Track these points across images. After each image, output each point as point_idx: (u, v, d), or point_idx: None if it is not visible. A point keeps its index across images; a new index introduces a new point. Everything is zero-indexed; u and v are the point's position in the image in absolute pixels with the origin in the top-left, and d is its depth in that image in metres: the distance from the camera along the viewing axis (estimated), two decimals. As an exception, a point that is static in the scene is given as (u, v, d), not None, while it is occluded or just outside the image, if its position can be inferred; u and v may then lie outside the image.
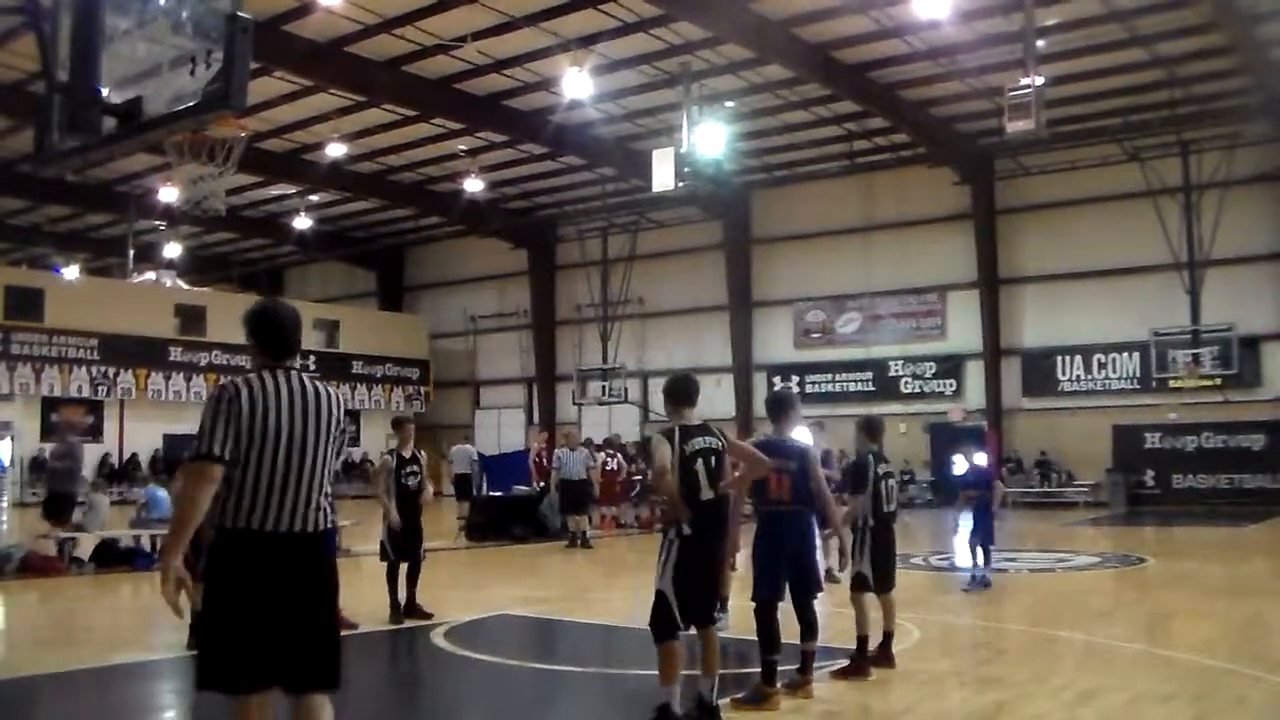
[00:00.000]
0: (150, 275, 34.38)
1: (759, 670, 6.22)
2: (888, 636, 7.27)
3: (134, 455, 31.02)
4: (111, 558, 13.93)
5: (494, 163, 29.00)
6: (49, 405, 29.48)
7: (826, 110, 25.29)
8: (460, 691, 7.36)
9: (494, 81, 23.72)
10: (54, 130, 4.52)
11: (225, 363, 31.42)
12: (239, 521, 3.72)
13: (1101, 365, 27.01)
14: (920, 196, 28.50)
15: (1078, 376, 27.26)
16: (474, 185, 29.00)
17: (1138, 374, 26.25)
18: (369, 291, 40.08)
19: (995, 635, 9.11)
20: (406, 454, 9.74)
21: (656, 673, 5.66)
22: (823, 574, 8.60)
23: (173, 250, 35.52)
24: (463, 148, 27.89)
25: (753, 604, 6.32)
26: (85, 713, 6.88)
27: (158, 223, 33.08)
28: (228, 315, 32.32)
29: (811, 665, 6.48)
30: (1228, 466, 25.12)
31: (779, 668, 6.24)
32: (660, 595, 5.62)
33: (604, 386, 31.10)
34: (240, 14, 3.83)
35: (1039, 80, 17.27)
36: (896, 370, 29.40)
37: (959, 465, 16.31)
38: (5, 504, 27.04)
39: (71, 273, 34.83)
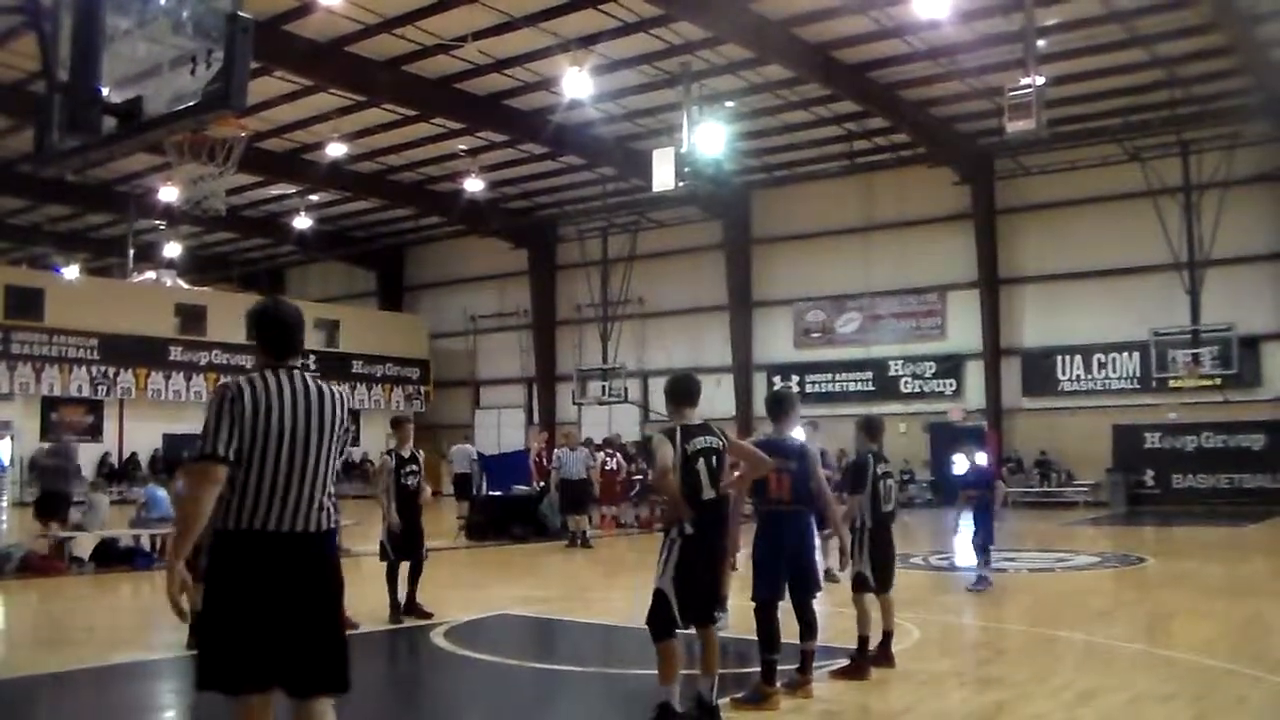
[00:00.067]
0: (150, 275, 34.39)
1: (759, 670, 6.22)
2: (887, 636, 7.28)
3: (133, 455, 31.02)
4: (111, 557, 13.93)
5: (494, 162, 29.00)
6: (49, 405, 29.47)
7: (826, 110, 25.29)
8: (460, 691, 7.36)
9: (494, 81, 23.72)
10: (54, 130, 4.52)
11: (225, 362, 31.48)
12: (241, 522, 3.70)
13: (1101, 365, 27.01)
14: (920, 196, 28.50)
15: (1078, 376, 27.27)
16: (474, 185, 29.00)
17: (1138, 374, 26.25)
18: (369, 291, 40.08)
19: (995, 635, 9.12)
20: (405, 454, 9.74)
21: (656, 672, 5.67)
22: (822, 574, 8.62)
23: (173, 250, 35.53)
24: (463, 147, 27.89)
25: (752, 604, 6.32)
26: (85, 713, 6.88)
27: (158, 222, 33.08)
28: (228, 315, 32.43)
29: (811, 665, 6.48)
30: (1228, 466, 25.12)
31: (779, 667, 6.24)
32: (660, 594, 5.62)
33: (604, 386, 31.10)
34: (240, 14, 3.83)
35: (1039, 80, 17.27)
36: (896, 370, 29.40)
37: (959, 465, 16.31)
38: (5, 503, 27.04)
39: (71, 272, 34.84)
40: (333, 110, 25.16)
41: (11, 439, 28.88)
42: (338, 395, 3.98)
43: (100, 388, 30.34)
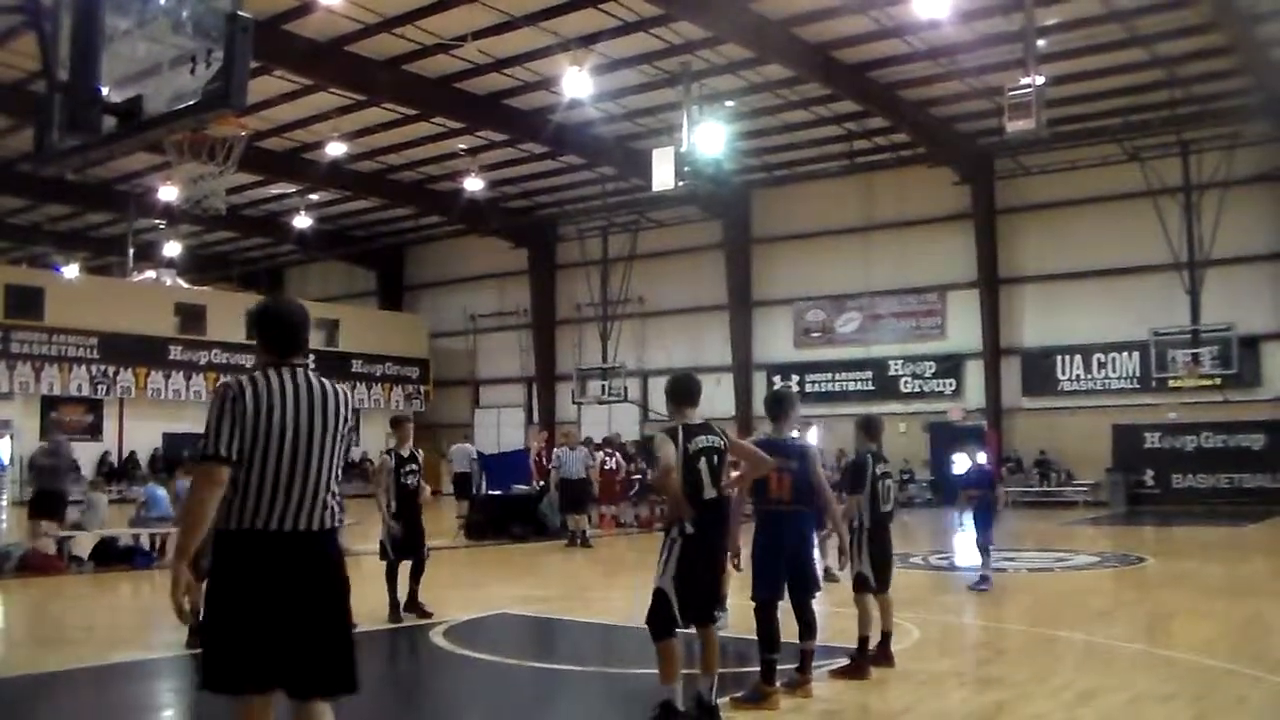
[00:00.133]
0: (150, 274, 34.40)
1: (758, 669, 6.22)
2: (886, 636, 7.28)
3: (132, 454, 31.01)
4: (111, 556, 13.93)
5: (494, 162, 29.00)
6: (49, 404, 29.47)
7: (826, 110, 25.29)
8: (460, 691, 7.36)
9: (494, 81, 23.72)
10: (54, 129, 4.52)
11: (225, 361, 31.49)
12: (244, 521, 3.67)
13: (1101, 365, 27.02)
14: (920, 196, 28.50)
15: (1077, 376, 27.27)
16: (474, 184, 28.99)
17: (1137, 374, 26.26)
18: (369, 290, 40.08)
19: (995, 635, 9.12)
20: (405, 453, 9.74)
21: (656, 671, 5.66)
22: (821, 573, 8.62)
23: (173, 249, 35.55)
24: (463, 147, 27.89)
25: (752, 603, 6.32)
26: (85, 712, 6.88)
27: (158, 221, 33.08)
28: (228, 314, 32.50)
29: (810, 664, 6.48)
30: (1227, 466, 25.13)
31: (778, 667, 6.24)
32: (660, 593, 5.63)
33: (604, 386, 31.10)
34: (240, 13, 3.83)
35: (1039, 80, 17.27)
36: (896, 370, 29.41)
37: (960, 464, 16.31)
38: (5, 502, 27.03)
39: (71, 271, 34.86)
40: (333, 110, 25.16)
41: (11, 438, 28.87)
42: (342, 393, 3.94)
43: (100, 387, 30.34)
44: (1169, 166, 25.36)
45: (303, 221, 33.20)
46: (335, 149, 26.76)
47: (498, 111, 25.17)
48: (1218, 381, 24.84)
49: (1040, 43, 18.71)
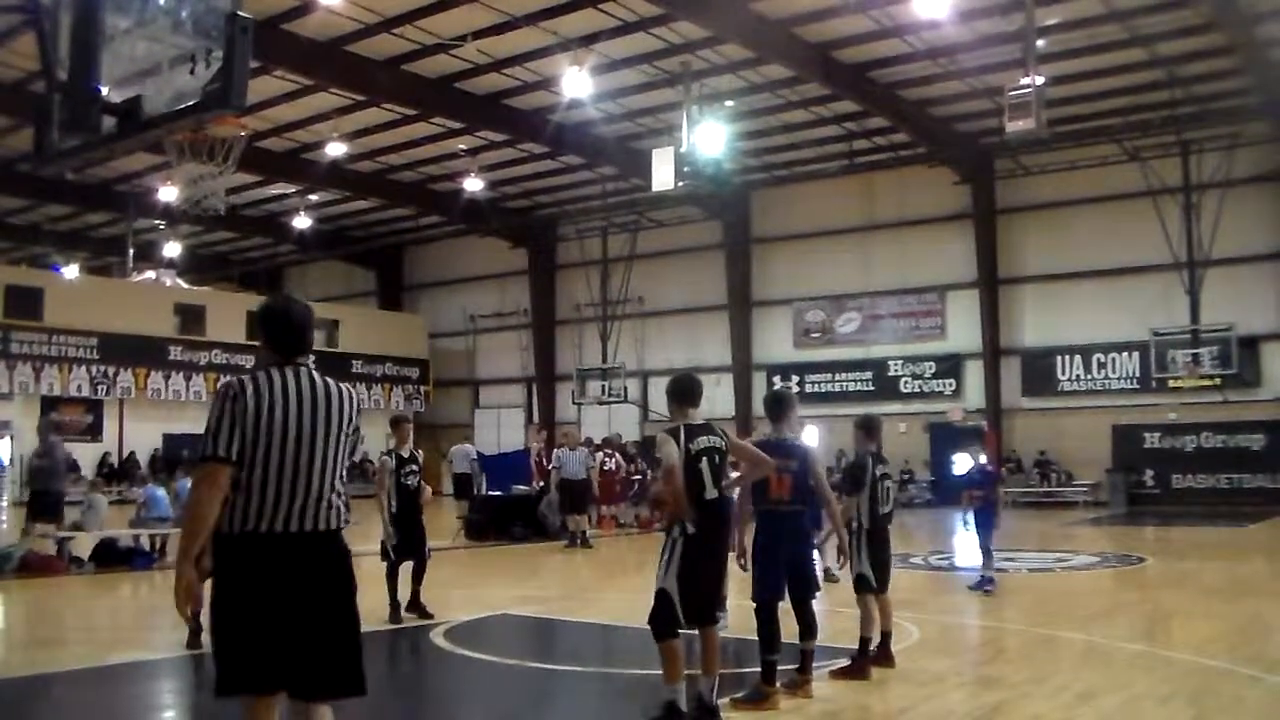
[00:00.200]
0: (150, 274, 34.39)
1: (758, 670, 6.22)
2: (885, 636, 7.28)
3: (132, 454, 31.00)
4: (111, 557, 13.94)
5: (494, 162, 29.00)
6: (49, 404, 29.45)
7: (826, 110, 25.29)
8: (460, 691, 7.36)
9: (494, 81, 23.72)
10: (54, 129, 4.52)
11: (225, 362, 31.46)
12: (249, 524, 3.64)
13: (1101, 365, 27.01)
14: (920, 196, 28.50)
15: (1077, 376, 27.27)
16: (474, 184, 29.00)
17: (1137, 374, 26.25)
18: (368, 291, 40.07)
19: (995, 635, 9.12)
20: (405, 453, 9.74)
21: (655, 672, 5.67)
22: (821, 574, 8.62)
23: (172, 249, 35.54)
24: (463, 147, 27.89)
25: (753, 604, 6.32)
26: (85, 713, 6.88)
27: (157, 222, 33.10)
28: (227, 314, 32.49)
29: (811, 665, 6.48)
30: (1227, 466, 25.14)
31: (779, 667, 6.24)
32: (663, 593, 5.63)
33: (604, 386, 31.08)
34: (240, 13, 3.84)
35: (1039, 80, 17.27)
36: (896, 370, 29.40)
37: (961, 464, 16.28)
38: (5, 503, 27.03)
39: (71, 272, 34.85)
40: (332, 110, 25.16)
41: (11, 439, 28.88)
42: (347, 393, 3.91)
43: (100, 387, 30.33)
44: (1169, 166, 25.35)
45: (302, 221, 33.20)
46: (335, 149, 26.75)
47: (498, 111, 25.17)
48: (1218, 381, 24.82)
49: (1040, 43, 18.70)
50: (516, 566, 15.31)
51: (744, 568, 6.40)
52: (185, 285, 35.17)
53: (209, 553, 3.75)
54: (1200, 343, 24.69)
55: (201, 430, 3.73)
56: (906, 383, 29.28)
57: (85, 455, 29.69)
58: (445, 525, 18.12)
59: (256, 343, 4.08)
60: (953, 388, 28.74)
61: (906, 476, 27.47)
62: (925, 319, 29.28)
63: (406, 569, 9.65)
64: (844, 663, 7.06)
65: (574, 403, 32.53)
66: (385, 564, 9.57)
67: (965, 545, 13.49)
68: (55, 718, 6.99)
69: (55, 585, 12.66)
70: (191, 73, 4.02)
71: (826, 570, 10.26)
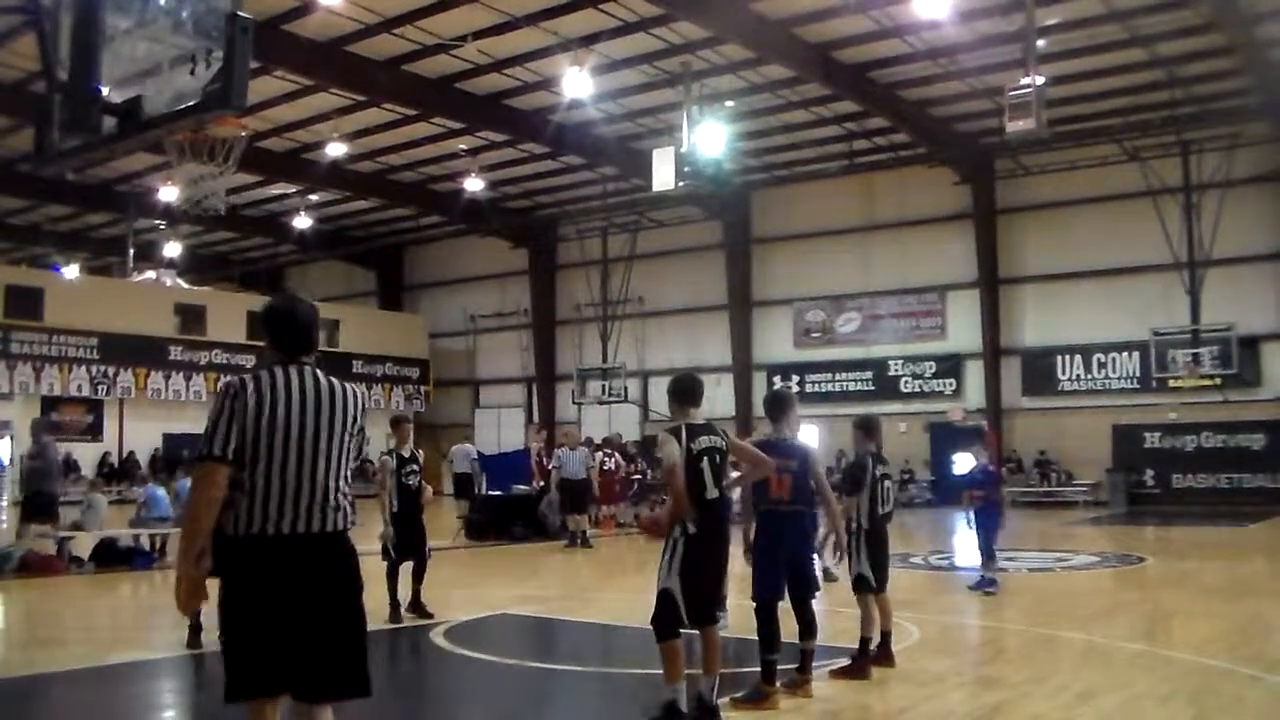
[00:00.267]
0: (150, 274, 34.40)
1: (758, 669, 6.23)
2: (885, 636, 7.28)
3: (132, 454, 31.00)
4: (111, 557, 13.94)
5: (494, 162, 29.00)
6: (49, 404, 29.46)
7: (826, 110, 25.29)
8: (460, 691, 7.36)
9: (494, 81, 23.72)
10: (54, 129, 4.52)
11: (225, 362, 31.48)
12: (253, 526, 3.62)
13: (1101, 365, 27.01)
14: (920, 196, 28.51)
15: (1077, 376, 27.27)
16: (474, 184, 29.01)
17: (1137, 374, 26.25)
18: (369, 291, 40.08)
19: (995, 635, 9.12)
20: (406, 453, 9.75)
21: (655, 671, 5.67)
22: (820, 573, 8.61)
23: (173, 249, 35.55)
24: (463, 147, 27.90)
25: (752, 604, 6.33)
26: (85, 713, 6.88)
27: (158, 222, 33.10)
28: (228, 314, 32.51)
29: (811, 664, 6.48)
30: (1227, 466, 25.14)
31: (779, 667, 6.24)
32: (666, 593, 5.63)
33: (604, 386, 31.09)
34: (240, 13, 3.84)
35: (1039, 80, 17.26)
36: (896, 370, 29.41)
37: (963, 464, 16.27)
38: (4, 503, 27.03)
39: (71, 272, 34.87)
40: (333, 110, 25.16)
41: (11, 439, 28.88)
42: (351, 392, 3.89)
43: (100, 387, 30.33)
44: (1169, 166, 25.35)
45: (303, 221, 33.20)
46: (335, 149, 26.75)
47: (498, 111, 25.17)
48: (1218, 381, 24.82)
49: (1040, 43, 18.70)
50: (516, 566, 15.31)
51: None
52: (185, 285, 35.18)
53: (209, 552, 3.74)
54: (1200, 343, 24.69)
55: (202, 430, 3.71)
56: (907, 383, 29.28)
57: (85, 455, 29.73)
58: (445, 525, 18.13)
59: (257, 343, 4.08)
60: (953, 388, 28.75)
61: (906, 476, 27.49)
62: (925, 319, 29.29)
63: (406, 569, 9.66)
64: (844, 662, 7.06)
65: (574, 403, 32.54)
66: (385, 563, 9.57)
67: (965, 545, 13.47)
68: (55, 718, 7.00)
69: (55, 585, 12.66)
70: (192, 73, 4.02)
71: (825, 570, 10.26)
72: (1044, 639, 8.73)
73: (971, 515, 11.75)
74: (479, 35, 21.05)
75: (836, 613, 8.49)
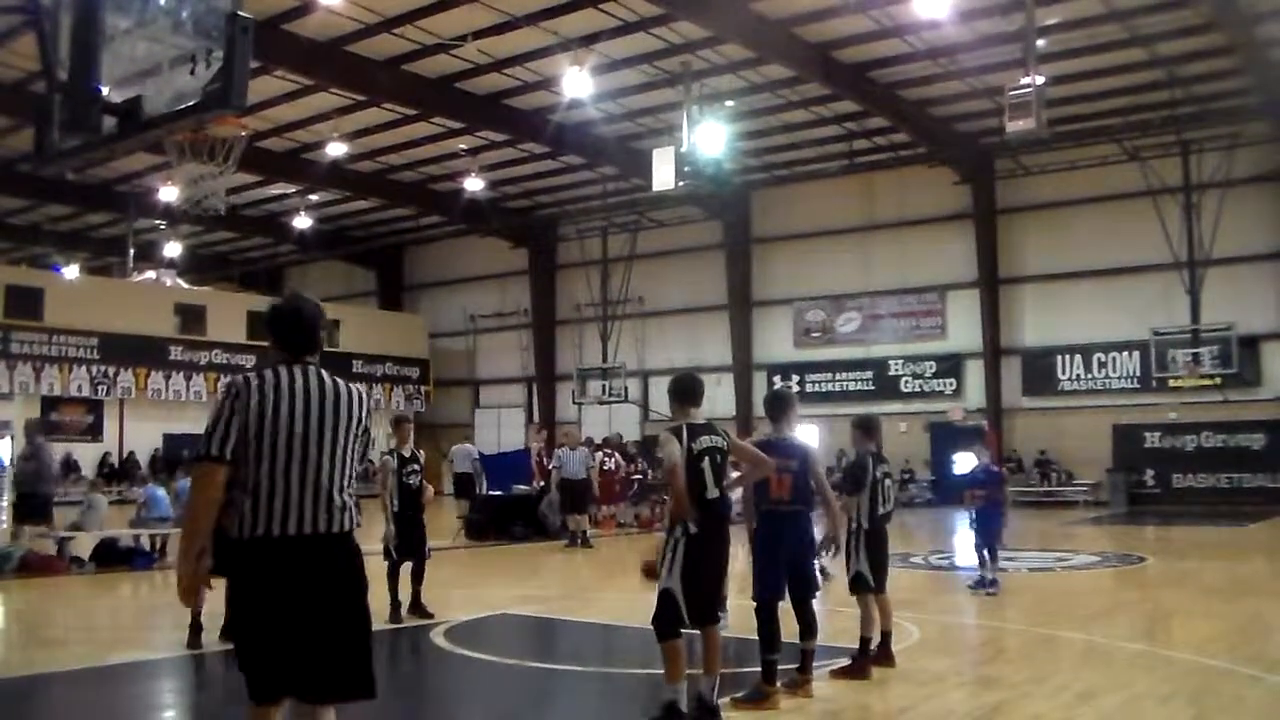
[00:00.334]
0: (150, 274, 34.38)
1: (759, 669, 6.23)
2: (885, 635, 7.28)
3: (132, 454, 30.99)
4: (111, 557, 13.94)
5: (494, 162, 29.00)
6: (49, 404, 29.47)
7: (826, 110, 25.29)
8: (460, 691, 7.36)
9: (494, 81, 23.72)
10: (54, 129, 4.52)
11: (225, 362, 31.49)
12: (258, 528, 3.61)
13: (1101, 365, 27.01)
14: (920, 196, 28.51)
15: (1077, 376, 27.27)
16: (474, 184, 29.00)
17: (1138, 373, 26.25)
18: (369, 290, 40.08)
19: (995, 635, 9.12)
20: (406, 453, 9.76)
21: (655, 671, 5.67)
22: (819, 573, 8.61)
23: (173, 249, 35.53)
24: (463, 147, 27.90)
25: (753, 604, 6.33)
26: (85, 713, 6.88)
27: (158, 222, 33.09)
28: (228, 314, 32.52)
29: (811, 664, 6.49)
30: (1228, 466, 25.14)
31: (779, 667, 6.24)
32: (667, 593, 5.63)
33: (604, 386, 31.09)
34: (240, 13, 3.84)
35: (1039, 80, 17.25)
36: (896, 370, 29.41)
37: (965, 463, 16.24)
38: (4, 503, 27.02)
39: (71, 272, 34.84)
40: (333, 110, 25.16)
41: (11, 439, 28.85)
42: (356, 393, 3.88)
43: (100, 387, 30.33)
44: (1169, 166, 25.34)
45: (303, 221, 33.19)
46: (335, 149, 26.74)
47: (498, 111, 25.17)
48: (1218, 381, 24.81)
49: (1040, 43, 18.70)
50: (516, 566, 15.31)
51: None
52: (185, 285, 35.17)
53: (208, 552, 3.74)
54: (1200, 342, 24.68)
55: (202, 430, 3.71)
56: (907, 382, 29.28)
57: (85, 455, 29.75)
58: (445, 525, 18.13)
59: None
60: (953, 387, 28.75)
61: (907, 476, 27.49)
62: (925, 319, 29.29)
63: (407, 568, 9.66)
64: (844, 662, 7.06)
65: (574, 403, 32.54)
66: (387, 563, 9.57)
67: (967, 545, 13.46)
68: (55, 718, 7.00)
69: (55, 585, 12.67)
70: (192, 73, 4.02)
71: (822, 569, 10.25)
72: (1044, 639, 8.73)
73: (973, 515, 11.73)
74: (479, 35, 21.04)
75: (836, 613, 8.49)
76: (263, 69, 21.09)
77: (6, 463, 28.52)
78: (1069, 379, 27.34)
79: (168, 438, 30.65)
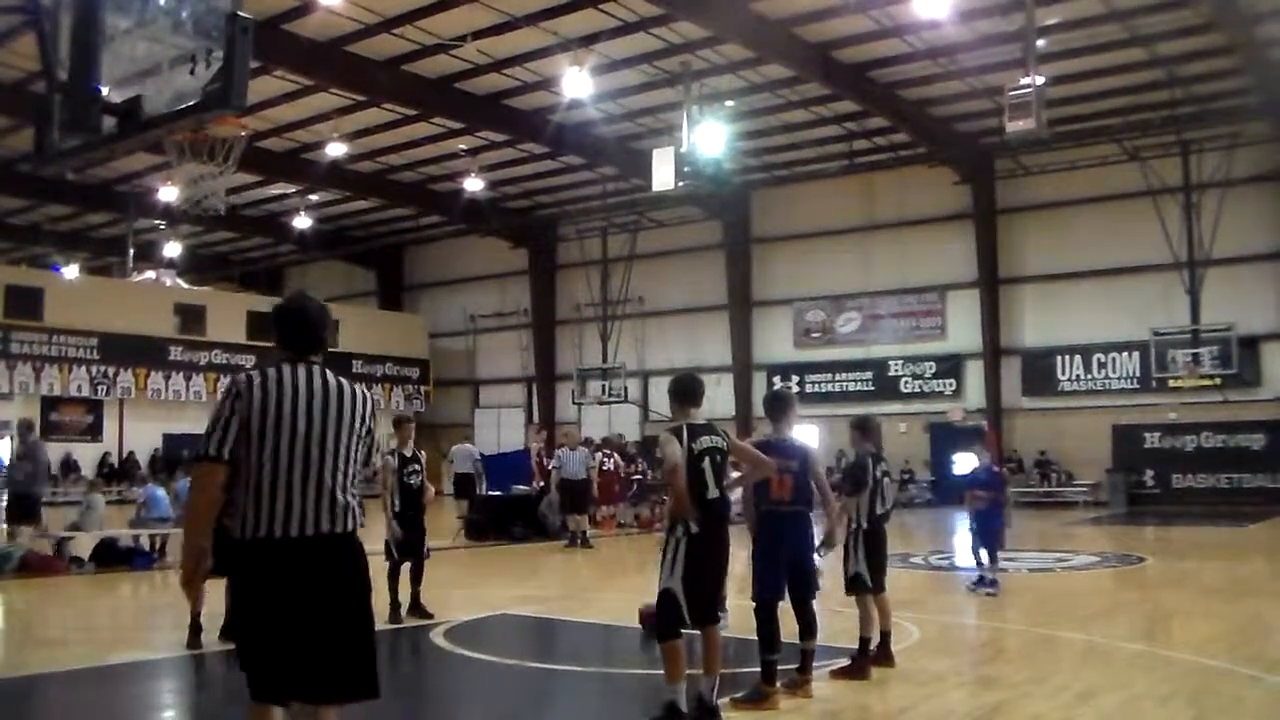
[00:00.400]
0: (150, 274, 34.40)
1: (758, 670, 6.22)
2: (885, 635, 7.28)
3: (132, 454, 31.00)
4: (111, 557, 13.93)
5: (494, 162, 29.01)
6: (49, 404, 29.48)
7: (826, 110, 25.29)
8: (460, 691, 7.36)
9: (494, 81, 23.72)
10: (54, 129, 4.52)
11: (225, 362, 31.50)
12: (260, 530, 3.60)
13: (1101, 365, 27.01)
14: (920, 196, 28.51)
15: (1077, 376, 27.27)
16: (474, 184, 29.01)
17: (1137, 374, 26.25)
18: (369, 290, 40.08)
19: (995, 635, 9.11)
20: (407, 453, 9.74)
21: (655, 671, 5.67)
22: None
23: (173, 249, 35.55)
24: (463, 147, 27.90)
25: (752, 604, 6.33)
26: (85, 713, 6.88)
27: (158, 222, 33.10)
28: (228, 314, 32.53)
29: (811, 664, 6.48)
30: (1227, 466, 25.14)
31: (779, 667, 6.24)
32: (668, 594, 5.63)
33: (604, 386, 31.09)
34: (240, 13, 3.84)
35: (1039, 80, 17.26)
36: (896, 370, 29.41)
37: (966, 464, 16.22)
38: (4, 503, 27.00)
39: (71, 272, 34.86)
40: (333, 110, 25.17)
41: (10, 439, 28.85)
42: (360, 393, 3.87)
43: (100, 387, 30.34)
44: (1169, 166, 25.35)
45: (303, 221, 33.21)
46: (335, 149, 26.75)
47: (498, 111, 25.17)
48: (1218, 381, 24.81)
49: (1040, 43, 18.70)
50: (516, 566, 15.30)
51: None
52: (185, 285, 35.18)
53: (209, 552, 3.74)
54: (1200, 342, 24.69)
55: (202, 430, 3.71)
56: (907, 383, 29.28)
57: (85, 455, 29.77)
58: (446, 525, 18.12)
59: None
60: (953, 388, 28.75)
61: (906, 476, 27.51)
62: (925, 319, 29.29)
63: (407, 568, 9.65)
64: (844, 663, 7.06)
65: (574, 403, 32.54)
66: (388, 564, 9.57)
67: (967, 545, 13.46)
68: (55, 718, 7.00)
69: (55, 585, 12.66)
70: (192, 73, 4.02)
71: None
72: (1044, 639, 8.73)
73: (973, 515, 11.72)
74: (479, 35, 21.05)
75: (836, 613, 8.49)
76: (263, 69, 21.10)
77: (5, 463, 28.60)
78: (1069, 379, 27.34)
79: (167, 438, 30.66)
